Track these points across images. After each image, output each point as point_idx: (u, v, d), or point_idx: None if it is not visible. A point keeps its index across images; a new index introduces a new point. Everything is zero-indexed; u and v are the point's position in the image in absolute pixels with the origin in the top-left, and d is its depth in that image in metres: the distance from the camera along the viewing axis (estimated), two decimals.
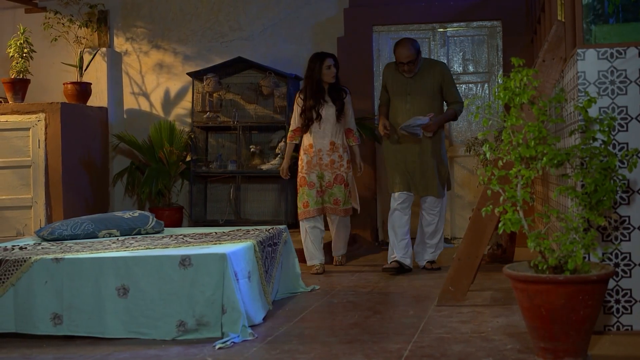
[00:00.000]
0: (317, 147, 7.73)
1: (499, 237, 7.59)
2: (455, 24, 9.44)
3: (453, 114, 7.48)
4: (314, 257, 7.67)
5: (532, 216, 4.78)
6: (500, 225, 4.42)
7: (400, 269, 7.39)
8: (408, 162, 7.50)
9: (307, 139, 7.80)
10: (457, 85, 9.36)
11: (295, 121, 7.87)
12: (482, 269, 7.05)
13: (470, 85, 9.40)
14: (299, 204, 7.72)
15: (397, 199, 7.50)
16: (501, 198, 4.46)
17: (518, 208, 4.41)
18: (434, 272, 7.38)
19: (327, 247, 8.06)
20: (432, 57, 9.45)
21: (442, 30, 9.46)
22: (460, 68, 9.42)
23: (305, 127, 7.78)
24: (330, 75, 7.72)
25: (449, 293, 5.84)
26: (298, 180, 7.78)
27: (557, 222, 4.69)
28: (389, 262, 7.48)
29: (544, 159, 4.35)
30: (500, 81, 4.58)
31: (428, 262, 7.60)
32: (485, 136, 4.95)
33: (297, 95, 7.86)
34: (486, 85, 9.35)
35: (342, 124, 7.82)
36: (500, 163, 4.70)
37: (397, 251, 7.44)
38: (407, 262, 7.43)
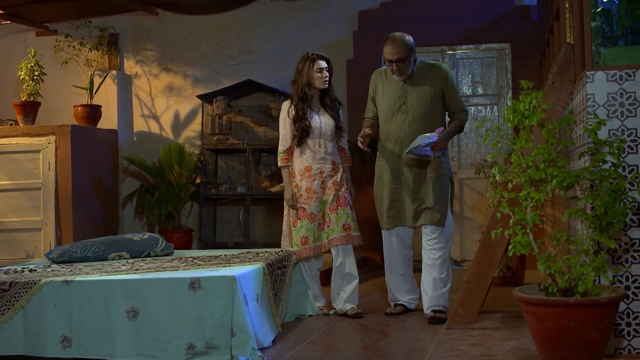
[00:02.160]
0: (318, 168, 6.52)
1: (508, 259, 7.56)
2: (464, 47, 9.45)
3: (460, 126, 6.37)
4: (318, 296, 6.72)
5: (542, 239, 4.78)
6: (510, 247, 4.42)
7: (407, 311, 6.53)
8: (402, 186, 6.34)
9: (300, 161, 6.56)
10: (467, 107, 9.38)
11: (286, 138, 6.59)
12: (492, 291, 7.02)
13: (479, 107, 9.40)
14: (296, 239, 6.50)
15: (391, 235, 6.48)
16: (511, 220, 4.46)
17: (528, 230, 4.41)
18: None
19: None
20: None
21: (451, 52, 9.48)
22: (470, 90, 9.43)
23: (298, 142, 6.52)
24: (321, 80, 6.52)
25: (458, 316, 5.82)
26: (296, 211, 6.55)
27: (567, 244, 4.68)
28: (393, 307, 6.56)
29: (554, 181, 4.35)
30: (509, 103, 4.60)
31: (433, 310, 6.24)
32: (495, 159, 4.94)
33: (288, 105, 6.63)
34: (495, 107, 9.35)
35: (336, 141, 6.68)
36: (509, 185, 4.69)
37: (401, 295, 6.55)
38: (413, 306, 6.55)
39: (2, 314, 5.25)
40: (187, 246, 9.64)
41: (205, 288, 5.11)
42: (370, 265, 9.24)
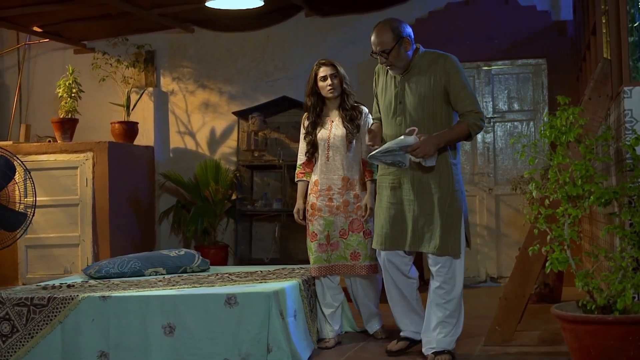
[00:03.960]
0: (325, 184, 5.94)
1: (546, 276, 7.51)
2: (499, 62, 9.41)
3: (465, 130, 5.11)
4: (322, 328, 6.06)
5: (580, 255, 4.75)
6: (547, 264, 4.39)
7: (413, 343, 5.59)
8: (404, 204, 5.28)
9: (313, 175, 6.07)
10: (501, 123, 9.35)
11: (303, 152, 6.16)
12: (529, 308, 6.97)
13: (515, 123, 9.36)
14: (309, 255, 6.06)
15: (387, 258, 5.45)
16: (548, 237, 4.43)
17: (565, 247, 4.38)
18: (482, 313, 7.27)
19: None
20: (477, 96, 9.40)
21: (486, 68, 9.45)
22: (506, 106, 9.39)
23: (309, 156, 6.07)
24: (326, 89, 5.99)
25: (495, 333, 5.78)
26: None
27: (606, 261, 4.64)
28: (396, 342, 5.61)
29: (591, 197, 4.31)
30: (546, 119, 4.57)
31: (434, 351, 5.30)
32: (532, 175, 4.92)
33: (304, 118, 6.19)
34: (532, 123, 9.30)
35: (357, 154, 6.00)
36: (547, 202, 4.66)
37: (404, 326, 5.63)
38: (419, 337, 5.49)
39: (41, 329, 5.30)
40: (223, 262, 9.66)
41: (242, 304, 5.13)
42: None
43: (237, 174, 9.75)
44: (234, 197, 9.81)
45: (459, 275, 5.24)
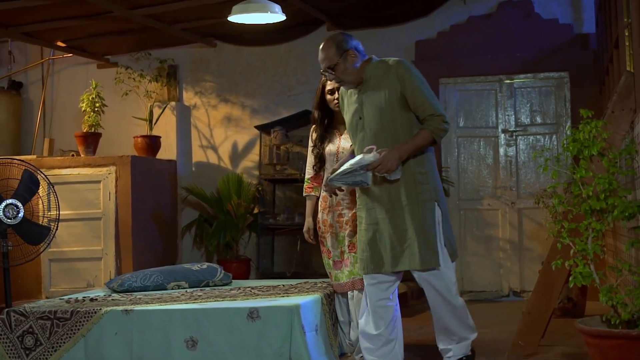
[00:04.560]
0: (334, 199, 5.73)
1: (569, 290, 7.47)
2: (522, 75, 9.40)
3: (427, 136, 4.86)
4: (343, 343, 5.96)
5: (604, 269, 4.72)
6: (571, 278, 4.37)
7: None
8: (380, 224, 5.02)
9: (322, 190, 5.89)
10: (524, 136, 9.32)
11: (310, 165, 6.01)
12: (552, 323, 6.93)
13: (537, 136, 9.33)
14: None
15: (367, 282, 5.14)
16: (572, 251, 4.41)
17: (589, 261, 4.35)
18: (505, 327, 7.24)
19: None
20: (499, 109, 9.42)
21: (508, 81, 9.43)
22: (528, 119, 9.37)
23: (317, 169, 5.90)
24: (333, 103, 5.76)
25: (518, 348, 5.75)
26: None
27: (630, 275, 4.61)
28: None
29: (615, 211, 4.29)
30: (568, 133, 4.56)
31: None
32: (555, 188, 4.90)
33: (311, 131, 6.06)
34: (554, 136, 9.27)
35: None
36: (570, 216, 4.64)
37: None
38: None
39: (64, 343, 5.32)
40: (245, 276, 9.67)
41: (264, 318, 5.13)
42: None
43: (260, 188, 9.77)
44: (256, 210, 9.82)
45: (451, 284, 4.98)
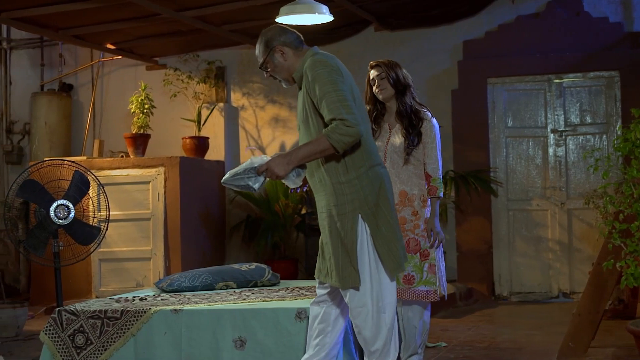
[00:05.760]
0: None
1: (620, 292, 7.39)
2: (571, 75, 9.32)
3: (323, 142, 4.19)
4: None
5: None
6: (622, 279, 4.32)
7: None
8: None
9: None
10: (573, 136, 9.24)
11: None
12: (603, 324, 6.86)
13: (587, 136, 9.25)
14: None
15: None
16: (623, 252, 4.37)
17: None
18: (554, 329, 7.17)
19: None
20: (548, 109, 9.35)
21: (558, 81, 9.35)
22: (578, 119, 9.29)
23: None
24: (376, 92, 5.58)
25: (568, 349, 5.70)
26: None
27: None
28: None
29: None
30: (619, 132, 4.51)
31: None
32: (605, 189, 4.85)
33: None
34: (604, 136, 9.18)
35: (418, 165, 5.36)
36: (621, 216, 4.60)
37: None
38: None
39: (114, 342, 5.37)
40: (293, 276, 9.69)
41: None
42: (477, 296, 9.14)
43: (307, 189, 9.79)
44: (303, 211, 9.83)
45: (383, 304, 4.27)
